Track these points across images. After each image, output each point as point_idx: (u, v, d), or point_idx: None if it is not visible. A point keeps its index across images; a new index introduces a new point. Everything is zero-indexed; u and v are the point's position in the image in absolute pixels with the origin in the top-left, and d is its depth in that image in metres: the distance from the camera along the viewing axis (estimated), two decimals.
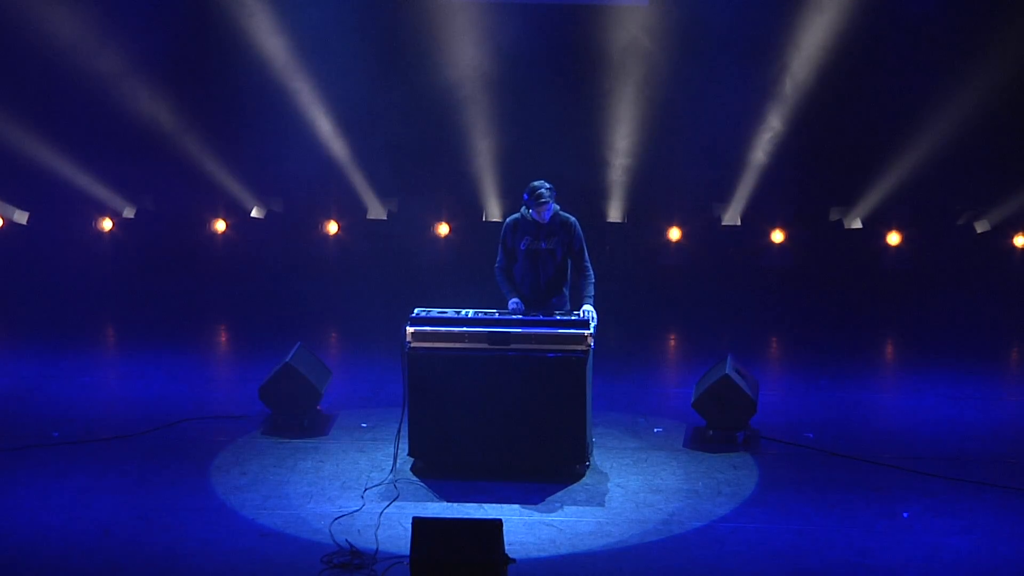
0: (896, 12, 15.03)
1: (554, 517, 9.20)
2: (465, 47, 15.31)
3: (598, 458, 10.22)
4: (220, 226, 16.25)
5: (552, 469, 9.83)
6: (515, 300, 10.11)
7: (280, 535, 8.92)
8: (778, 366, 13.43)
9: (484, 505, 9.37)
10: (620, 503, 9.46)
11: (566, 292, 10.29)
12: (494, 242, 10.24)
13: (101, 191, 16.06)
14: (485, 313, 9.99)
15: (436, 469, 9.89)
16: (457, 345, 9.81)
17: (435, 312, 9.97)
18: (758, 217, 15.90)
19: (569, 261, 10.25)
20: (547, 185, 10.07)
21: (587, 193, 15.51)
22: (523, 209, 10.14)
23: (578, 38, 15.35)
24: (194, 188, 16.07)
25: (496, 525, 8.05)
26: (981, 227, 15.67)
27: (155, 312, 15.01)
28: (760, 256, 15.97)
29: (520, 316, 9.97)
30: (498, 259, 10.27)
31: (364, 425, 11.02)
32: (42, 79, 15.44)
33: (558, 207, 10.14)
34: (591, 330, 9.80)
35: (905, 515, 9.27)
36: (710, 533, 9.00)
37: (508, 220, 10.24)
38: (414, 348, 9.82)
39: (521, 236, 10.15)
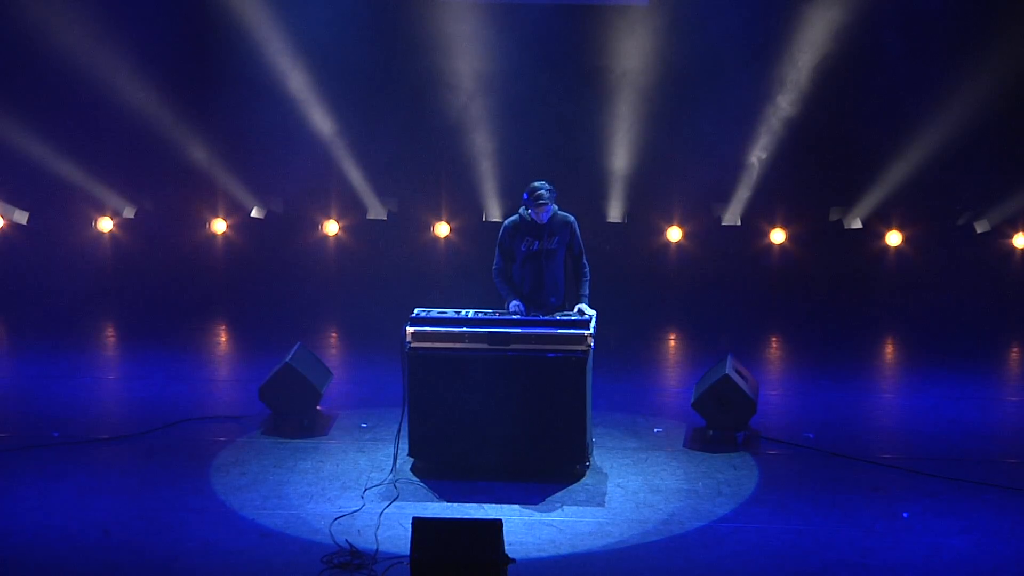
0: (897, 12, 15.03)
1: (554, 517, 9.20)
2: (466, 47, 15.31)
3: (598, 458, 10.22)
4: (220, 226, 16.26)
5: (552, 469, 9.83)
6: (516, 302, 10.09)
7: (280, 535, 8.92)
8: (778, 366, 13.43)
9: (484, 505, 9.37)
10: (620, 503, 9.46)
11: (564, 291, 10.28)
12: (494, 242, 10.23)
13: (101, 191, 16.06)
14: (485, 313, 10.00)
15: (436, 469, 9.89)
16: (457, 345, 9.81)
17: (435, 312, 9.97)
18: (758, 217, 15.91)
19: (567, 260, 10.25)
20: (547, 186, 10.06)
21: (587, 193, 15.50)
22: (522, 209, 10.13)
23: (579, 38, 15.35)
24: (194, 188, 16.07)
25: (496, 525, 8.05)
26: (981, 227, 15.67)
27: (155, 312, 15.01)
28: (760, 256, 15.97)
29: (520, 316, 9.97)
30: (496, 262, 10.25)
31: (364, 425, 11.02)
32: (42, 79, 15.43)
33: (557, 207, 10.14)
34: (591, 330, 9.80)
35: (905, 515, 9.27)
36: (710, 533, 9.00)
37: (507, 222, 10.22)
38: (414, 348, 9.82)
39: (522, 238, 10.14)
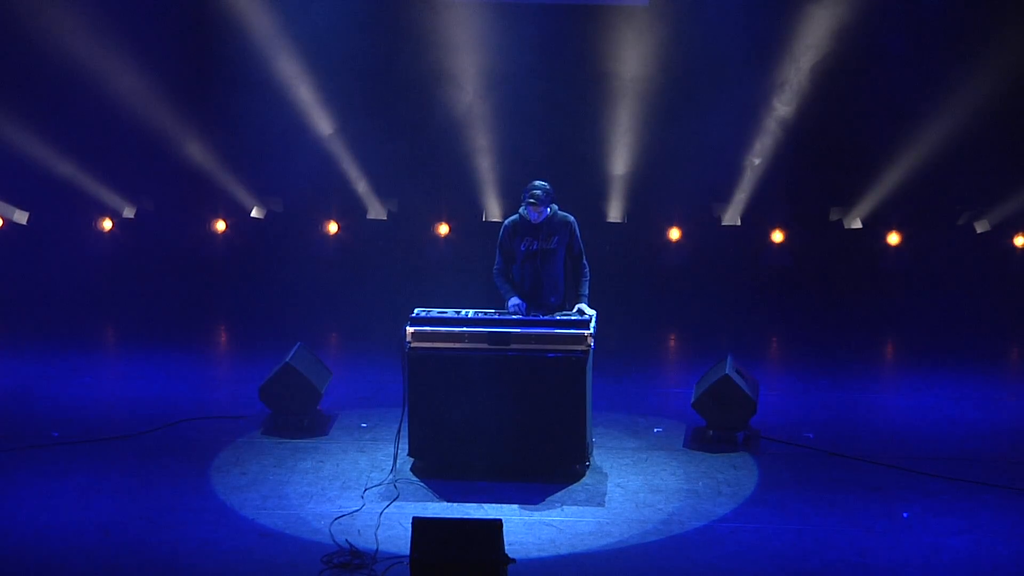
0: (897, 12, 15.04)
1: (554, 517, 9.20)
2: (467, 47, 15.31)
3: (598, 458, 10.22)
4: (220, 226, 16.26)
5: (552, 469, 9.83)
6: (515, 301, 10.08)
7: (280, 535, 8.92)
8: (778, 366, 13.43)
9: (484, 505, 9.37)
10: (620, 503, 9.46)
11: (563, 291, 10.27)
12: (494, 242, 10.23)
13: (101, 191, 16.06)
14: (485, 313, 9.99)
15: (436, 469, 9.89)
16: (457, 345, 9.81)
17: (435, 312, 9.97)
18: (758, 217, 15.91)
19: (567, 260, 10.24)
20: (545, 187, 10.04)
21: (587, 193, 15.50)
22: (521, 209, 10.12)
23: (579, 38, 15.35)
24: (194, 188, 16.08)
25: (496, 525, 8.05)
26: (981, 227, 15.67)
27: (155, 312, 15.01)
28: (760, 256, 15.97)
29: (520, 316, 9.96)
30: (496, 262, 10.23)
31: (364, 425, 11.02)
32: (42, 79, 15.43)
33: (556, 207, 10.13)
34: (591, 330, 9.80)
35: (905, 515, 9.27)
36: (710, 533, 9.00)
37: (506, 222, 10.21)
38: (414, 348, 9.82)
39: (521, 238, 10.13)
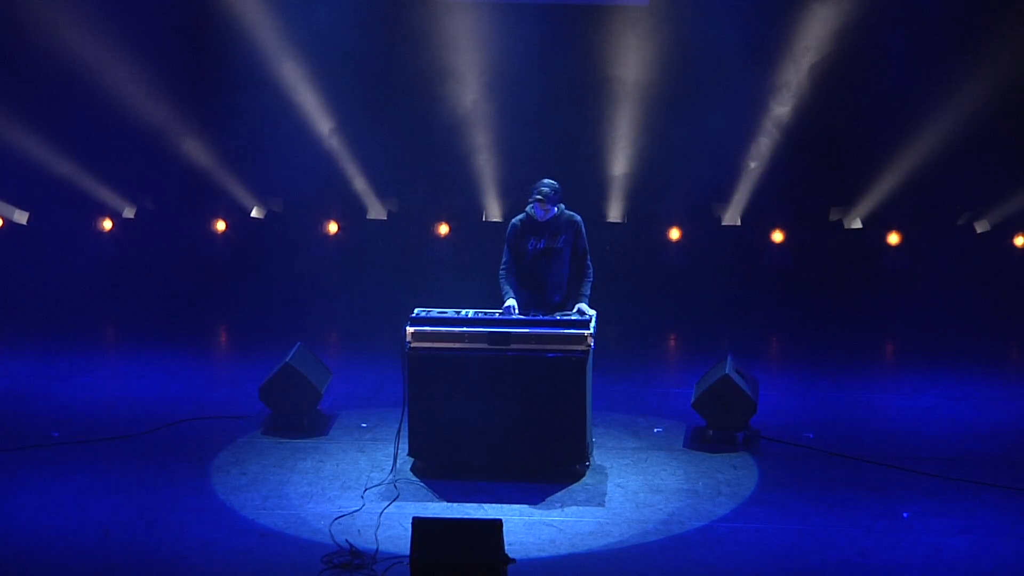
0: (896, 12, 15.04)
1: (554, 517, 9.20)
2: (467, 47, 15.32)
3: (598, 458, 10.22)
4: (220, 226, 16.26)
5: (552, 469, 9.83)
6: (510, 305, 10.04)
7: (280, 535, 8.92)
8: (778, 366, 13.43)
9: (484, 505, 9.37)
10: (620, 503, 9.46)
11: (567, 290, 10.26)
12: (494, 242, 10.23)
13: (101, 191, 16.06)
14: (485, 313, 9.99)
15: (436, 469, 9.89)
16: (457, 345, 9.81)
17: (435, 312, 9.97)
18: (758, 217, 15.90)
19: (572, 259, 10.23)
20: (554, 186, 10.03)
21: (588, 193, 15.50)
22: (528, 207, 10.12)
23: (579, 38, 15.35)
24: (194, 188, 16.08)
25: (496, 525, 8.05)
26: (981, 227, 15.67)
27: (155, 312, 15.01)
28: (760, 256, 15.97)
29: (520, 316, 9.95)
30: (504, 262, 10.20)
31: (364, 425, 11.02)
32: (42, 79, 15.44)
33: (563, 207, 10.13)
34: (591, 330, 9.80)
35: (905, 515, 9.27)
36: (710, 533, 9.01)
37: (514, 221, 10.20)
38: (414, 348, 9.82)
39: (528, 236, 10.13)
